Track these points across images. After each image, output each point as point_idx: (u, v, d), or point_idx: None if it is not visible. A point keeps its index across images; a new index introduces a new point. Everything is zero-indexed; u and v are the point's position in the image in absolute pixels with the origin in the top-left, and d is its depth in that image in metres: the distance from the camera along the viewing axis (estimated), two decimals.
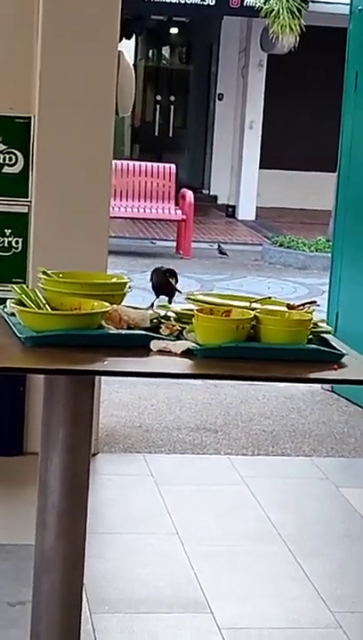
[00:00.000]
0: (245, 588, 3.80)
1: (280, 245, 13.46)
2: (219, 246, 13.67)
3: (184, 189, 13.79)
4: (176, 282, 2.98)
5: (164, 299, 2.97)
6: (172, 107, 19.69)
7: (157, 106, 19.78)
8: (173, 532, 4.22)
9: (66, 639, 2.89)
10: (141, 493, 4.64)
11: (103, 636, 3.36)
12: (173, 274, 2.98)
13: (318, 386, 6.47)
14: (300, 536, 4.27)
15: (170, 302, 2.94)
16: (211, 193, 18.14)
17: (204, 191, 18.12)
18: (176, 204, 13.70)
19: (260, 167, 17.29)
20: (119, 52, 4.75)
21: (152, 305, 2.91)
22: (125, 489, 4.70)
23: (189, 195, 13.51)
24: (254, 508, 4.54)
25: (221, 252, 13.47)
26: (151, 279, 3.00)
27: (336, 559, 4.10)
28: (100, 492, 4.60)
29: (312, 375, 2.65)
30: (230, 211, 17.20)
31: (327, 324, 2.97)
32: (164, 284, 2.96)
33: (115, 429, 5.43)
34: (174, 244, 13.61)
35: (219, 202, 17.84)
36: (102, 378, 5.12)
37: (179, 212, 13.53)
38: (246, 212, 17.04)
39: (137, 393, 6.07)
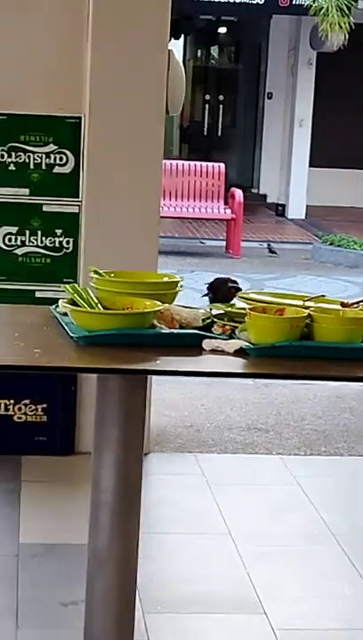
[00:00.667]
0: (298, 589, 3.77)
1: (331, 244, 13.38)
2: (269, 245, 13.62)
3: (233, 188, 13.76)
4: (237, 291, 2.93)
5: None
6: (221, 106, 19.66)
7: (206, 105, 19.76)
8: (226, 532, 4.20)
9: (120, 639, 2.88)
10: (192, 493, 4.63)
11: (156, 635, 3.35)
12: (234, 284, 2.93)
13: None
14: (354, 536, 4.23)
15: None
16: (260, 192, 18.09)
17: (253, 190, 18.07)
18: (225, 204, 13.68)
19: (310, 165, 17.21)
20: (169, 50, 4.74)
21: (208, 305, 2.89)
22: (177, 489, 4.69)
23: (239, 194, 13.48)
24: (306, 508, 4.51)
25: (271, 250, 13.42)
26: (210, 289, 2.95)
27: None
28: (151, 492, 4.59)
29: None
30: (280, 209, 17.14)
31: None
32: (227, 297, 2.91)
33: (166, 429, 5.42)
34: (224, 243, 13.59)
35: (268, 200, 17.78)
36: (153, 377, 5.12)
37: (228, 211, 13.50)
38: (296, 210, 16.97)
39: (188, 392, 6.06)
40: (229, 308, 2.84)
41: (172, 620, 3.49)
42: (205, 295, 2.94)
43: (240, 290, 2.93)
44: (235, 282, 2.95)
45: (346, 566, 3.95)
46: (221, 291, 2.92)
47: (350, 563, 3.97)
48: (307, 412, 5.88)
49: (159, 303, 2.72)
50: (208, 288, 2.95)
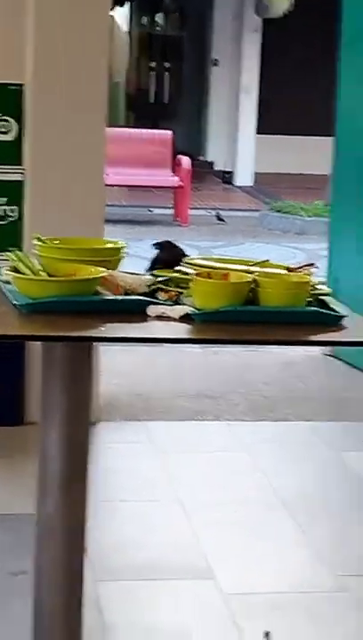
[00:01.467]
0: (248, 554, 3.79)
1: (278, 211, 13.40)
2: (217, 213, 13.61)
3: (180, 156, 13.71)
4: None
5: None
6: (166, 73, 19.56)
7: (152, 73, 19.65)
8: (176, 499, 4.21)
9: (69, 607, 2.87)
10: (142, 461, 4.63)
11: (107, 603, 3.35)
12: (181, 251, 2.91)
13: (318, 351, 6.45)
14: (301, 501, 4.26)
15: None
16: (208, 159, 18.05)
17: (200, 157, 18.02)
18: (172, 171, 13.63)
19: (257, 132, 17.19)
20: (111, 17, 4.69)
21: (151, 270, 2.86)
22: (126, 457, 4.69)
23: (186, 161, 13.44)
24: (255, 473, 4.53)
25: (219, 218, 13.41)
26: (157, 251, 2.92)
27: (339, 523, 4.09)
28: (101, 461, 4.58)
29: (312, 338, 2.62)
30: (228, 177, 17.11)
31: (327, 286, 2.93)
32: (173, 260, 2.88)
33: (115, 398, 5.41)
34: (172, 211, 13.55)
35: (216, 168, 17.74)
36: (101, 346, 5.10)
37: (175, 178, 13.46)
38: (244, 177, 16.95)
39: (137, 361, 6.05)
40: (175, 274, 2.81)
41: (122, 588, 3.49)
42: (156, 248, 2.89)
43: (186, 255, 2.90)
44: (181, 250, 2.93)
45: (295, 530, 3.97)
46: (169, 252, 2.89)
47: (299, 527, 4.00)
48: (255, 378, 5.89)
49: (103, 270, 2.69)
50: (156, 246, 2.92)
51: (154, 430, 4.99)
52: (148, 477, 4.45)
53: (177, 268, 2.80)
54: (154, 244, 2.90)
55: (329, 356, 6.38)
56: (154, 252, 2.90)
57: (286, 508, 4.17)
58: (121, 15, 17.19)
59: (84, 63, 4.61)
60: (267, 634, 3.17)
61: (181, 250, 2.92)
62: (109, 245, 2.93)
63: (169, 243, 2.93)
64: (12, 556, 3.61)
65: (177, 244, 2.95)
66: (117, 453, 4.73)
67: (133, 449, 4.79)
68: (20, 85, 4.62)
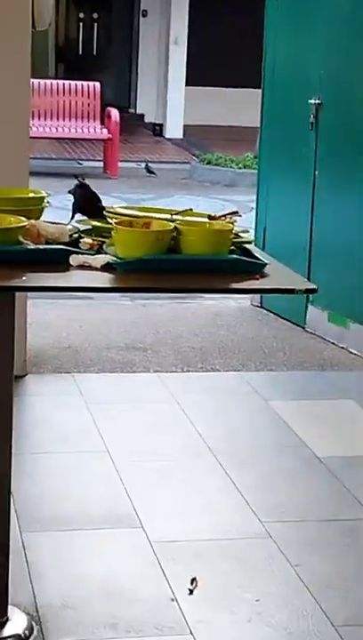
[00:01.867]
0: (175, 503, 3.82)
1: (208, 163, 13.37)
2: (146, 165, 13.54)
3: (110, 108, 13.61)
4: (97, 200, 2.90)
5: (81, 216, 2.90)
6: (95, 24, 19.34)
7: (81, 23, 19.41)
8: (104, 449, 4.22)
9: None
10: (70, 413, 4.63)
11: (34, 553, 3.35)
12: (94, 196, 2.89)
13: (247, 302, 6.48)
14: (230, 449, 4.29)
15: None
16: (138, 111, 17.92)
17: (130, 110, 17.89)
18: (102, 123, 13.52)
19: (186, 84, 17.09)
20: None
21: (71, 220, 2.85)
22: (55, 409, 4.68)
23: (115, 113, 13.34)
24: (183, 423, 4.55)
25: (149, 171, 13.35)
26: (74, 194, 2.91)
27: (265, 470, 4.13)
28: (29, 413, 4.58)
29: (235, 285, 2.63)
30: (158, 129, 17.02)
31: (255, 237, 2.94)
32: (89, 202, 2.86)
33: (43, 350, 5.39)
34: (101, 163, 13.46)
35: (146, 120, 17.63)
36: (29, 299, 5.07)
37: (105, 131, 13.36)
38: (174, 130, 16.87)
39: (65, 314, 6.03)
40: (97, 223, 2.80)
41: (50, 538, 3.50)
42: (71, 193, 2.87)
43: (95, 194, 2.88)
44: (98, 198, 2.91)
45: (222, 479, 4.01)
46: (83, 194, 2.87)
47: (227, 475, 4.03)
48: (184, 329, 5.90)
49: (24, 219, 2.67)
50: (72, 193, 2.89)
51: (83, 382, 4.99)
52: (76, 429, 4.45)
53: (97, 216, 2.79)
54: (68, 191, 2.88)
55: (257, 306, 6.42)
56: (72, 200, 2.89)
57: (213, 456, 4.20)
58: None
59: (5, 11, 4.53)
60: (193, 580, 3.21)
61: (90, 190, 2.90)
62: (31, 195, 2.91)
63: (80, 185, 2.90)
64: None
65: (91, 188, 2.92)
66: (46, 405, 4.73)
67: (61, 401, 4.79)
68: None
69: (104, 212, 2.83)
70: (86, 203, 2.85)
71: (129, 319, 6.05)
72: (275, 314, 6.27)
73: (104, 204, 2.92)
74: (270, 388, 5.05)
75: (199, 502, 3.83)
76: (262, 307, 6.40)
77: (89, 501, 3.78)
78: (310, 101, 5.93)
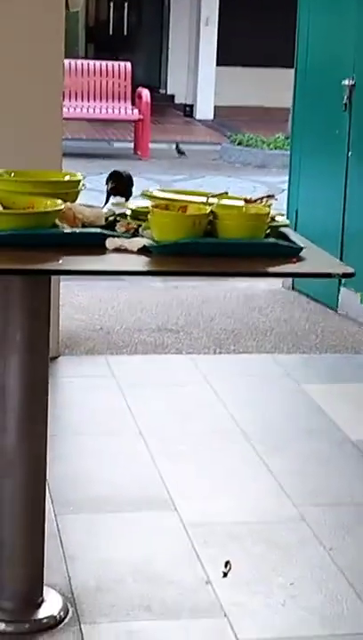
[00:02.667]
0: (209, 486, 3.82)
1: (239, 144, 13.33)
2: (177, 146, 13.51)
3: (140, 88, 13.58)
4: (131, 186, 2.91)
5: (120, 198, 2.91)
6: (126, 4, 19.29)
7: (111, 4, 19.37)
8: (137, 432, 4.22)
9: (30, 541, 2.89)
10: (103, 395, 4.63)
11: (68, 536, 3.37)
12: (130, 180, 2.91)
13: (279, 284, 6.46)
14: (263, 432, 4.29)
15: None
16: (168, 92, 17.89)
17: (161, 90, 17.86)
18: (133, 104, 13.50)
19: (217, 64, 17.04)
20: None
21: (107, 202, 2.85)
22: (88, 391, 4.69)
23: (146, 94, 13.31)
24: (216, 406, 4.55)
25: (180, 151, 13.32)
26: (109, 181, 2.92)
27: (299, 454, 4.12)
28: (62, 395, 4.59)
29: (271, 269, 2.62)
30: (188, 110, 16.99)
31: (287, 219, 2.92)
32: (122, 190, 2.88)
33: (76, 332, 5.40)
34: (132, 144, 13.45)
35: (176, 101, 17.61)
36: (61, 281, 5.08)
37: (136, 111, 13.34)
38: (204, 110, 16.84)
39: (97, 296, 6.04)
40: (133, 206, 2.80)
41: (84, 520, 3.51)
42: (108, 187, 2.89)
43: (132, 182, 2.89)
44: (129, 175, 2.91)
45: (255, 462, 4.00)
46: (117, 182, 2.88)
47: (260, 458, 4.03)
48: (216, 311, 5.90)
49: (61, 202, 2.67)
50: (107, 181, 2.90)
51: (115, 364, 5.00)
52: (109, 411, 4.46)
53: (133, 199, 2.79)
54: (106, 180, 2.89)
55: (289, 288, 6.39)
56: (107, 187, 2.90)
57: (247, 439, 4.19)
58: None
59: None
60: (227, 563, 3.21)
61: (127, 177, 2.90)
62: (67, 178, 2.91)
63: (116, 173, 2.91)
64: None
65: (128, 172, 2.93)
66: (78, 387, 4.74)
67: (94, 383, 4.80)
68: None
69: (140, 195, 2.82)
70: (122, 187, 2.86)
71: (161, 301, 6.05)
72: (307, 296, 6.24)
73: (136, 185, 2.93)
74: (302, 371, 5.04)
75: (233, 485, 3.83)
76: (294, 289, 6.38)
77: (122, 484, 3.79)
78: (343, 82, 5.89)
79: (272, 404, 4.67)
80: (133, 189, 2.92)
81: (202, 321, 5.72)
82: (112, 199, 2.88)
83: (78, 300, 5.92)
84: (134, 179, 2.97)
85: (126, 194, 2.90)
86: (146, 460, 3.98)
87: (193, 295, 6.17)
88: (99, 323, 5.60)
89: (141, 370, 5.00)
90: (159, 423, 4.35)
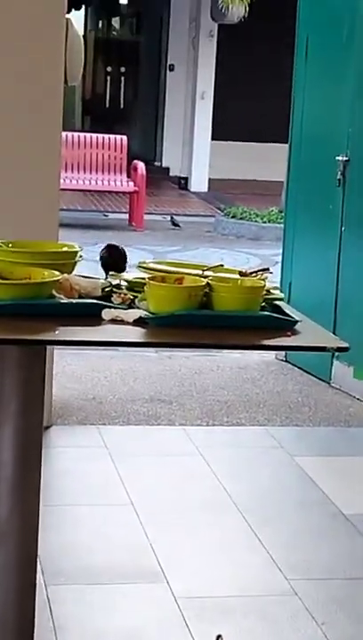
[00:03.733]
0: (200, 558, 3.80)
1: (233, 217, 13.45)
2: (172, 218, 13.63)
3: (136, 161, 13.73)
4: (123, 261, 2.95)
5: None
6: (122, 78, 19.56)
7: (108, 77, 19.64)
8: (129, 502, 4.21)
9: (21, 611, 2.87)
10: (95, 465, 4.62)
11: (59, 607, 3.34)
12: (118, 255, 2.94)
13: (272, 356, 6.49)
14: (255, 505, 4.28)
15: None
16: (163, 165, 18.07)
17: (156, 163, 18.04)
18: (128, 176, 13.64)
19: (212, 139, 17.25)
20: (67, 19, 4.69)
21: (107, 277, 2.87)
22: (80, 461, 4.68)
23: (141, 166, 13.45)
24: (209, 477, 4.54)
25: (174, 223, 13.43)
26: (103, 256, 2.95)
27: (291, 527, 4.11)
28: (54, 465, 4.58)
29: (266, 342, 2.63)
30: (183, 182, 17.15)
31: (281, 292, 2.95)
32: (117, 264, 2.92)
33: (68, 402, 5.40)
34: (127, 216, 13.55)
35: (171, 174, 17.77)
36: (55, 350, 5.10)
37: (131, 183, 13.47)
38: (199, 183, 17.00)
39: (90, 365, 6.05)
40: (129, 277, 2.82)
41: (74, 591, 3.48)
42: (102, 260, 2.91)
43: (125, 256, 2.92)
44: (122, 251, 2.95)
45: (247, 534, 3.99)
46: (112, 255, 2.91)
47: (252, 531, 4.01)
48: (210, 382, 5.91)
49: (58, 273, 2.69)
50: (102, 256, 2.93)
51: (107, 434, 5.00)
52: (101, 481, 4.45)
53: (136, 275, 2.81)
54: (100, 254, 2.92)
55: (282, 360, 6.42)
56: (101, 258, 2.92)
57: (239, 511, 4.18)
58: (77, 18, 17.16)
59: (39, 66, 4.60)
60: (219, 637, 3.19)
61: (121, 251, 2.93)
62: (65, 249, 2.93)
63: (110, 246, 2.94)
64: None
65: (121, 246, 2.96)
66: (71, 457, 4.73)
67: (86, 453, 4.79)
68: None
69: (136, 267, 2.85)
70: (115, 263, 2.89)
71: (154, 371, 6.06)
72: (300, 368, 6.26)
73: (130, 256, 2.96)
74: (295, 444, 5.04)
75: (224, 558, 3.81)
76: (287, 361, 6.40)
77: (114, 555, 3.77)
78: (337, 158, 5.97)
79: (265, 476, 4.67)
80: (128, 260, 2.95)
81: (195, 392, 5.73)
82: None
83: (71, 368, 5.93)
84: (129, 249, 3.00)
85: (120, 268, 2.93)
86: (137, 530, 3.97)
87: (186, 366, 6.19)
88: (92, 392, 5.61)
89: (133, 440, 5.00)
90: (151, 494, 4.34)
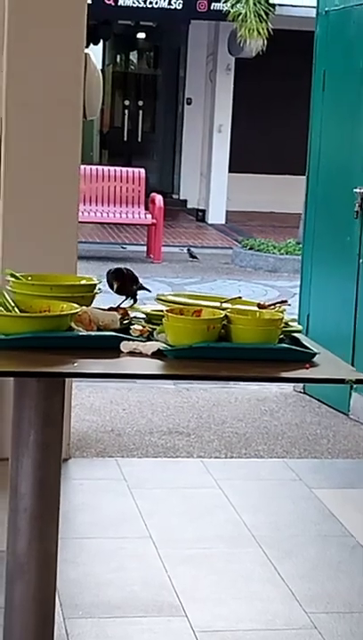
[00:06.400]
0: (219, 591, 3.78)
1: (250, 248, 13.47)
2: (189, 250, 13.67)
3: (154, 194, 13.79)
4: (133, 282, 2.95)
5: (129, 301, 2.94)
6: (140, 111, 19.68)
7: (126, 111, 19.76)
8: (147, 535, 4.20)
9: None
10: (113, 498, 4.62)
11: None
12: (124, 277, 2.95)
13: (290, 387, 6.48)
14: (273, 537, 4.26)
15: (135, 302, 2.92)
16: (180, 197, 18.14)
17: (173, 195, 18.12)
18: (146, 209, 13.69)
19: (229, 171, 17.31)
20: (86, 54, 4.73)
21: (118, 306, 2.88)
22: (98, 493, 4.68)
23: (159, 199, 13.51)
24: (227, 510, 4.53)
25: (192, 255, 13.46)
26: (110, 286, 2.97)
27: (310, 560, 4.09)
28: (72, 497, 4.58)
29: (285, 374, 2.64)
30: (200, 215, 17.21)
31: (298, 324, 2.95)
32: (121, 289, 2.93)
33: (87, 434, 5.41)
34: (145, 248, 13.60)
35: (189, 206, 17.85)
36: (73, 382, 5.10)
37: (149, 216, 13.52)
38: (216, 215, 17.06)
39: (108, 397, 6.05)
40: (147, 310, 2.84)
41: (92, 625, 3.47)
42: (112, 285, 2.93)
43: (133, 277, 2.93)
44: (123, 270, 2.96)
45: (266, 567, 3.97)
46: (120, 278, 2.92)
47: (271, 563, 4.00)
48: (227, 415, 5.90)
49: (76, 306, 2.71)
50: (107, 280, 2.94)
51: (126, 467, 4.99)
52: (119, 514, 4.44)
53: (155, 308, 2.82)
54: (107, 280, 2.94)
55: (300, 392, 6.41)
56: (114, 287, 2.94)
57: (257, 544, 4.17)
58: (95, 53, 17.29)
59: (58, 100, 4.64)
60: None
61: (130, 275, 2.95)
62: (83, 282, 2.95)
63: (117, 271, 2.95)
64: None
65: (129, 270, 2.98)
66: (89, 489, 4.72)
67: (104, 485, 4.78)
68: None
69: (155, 299, 2.86)
70: (125, 285, 2.91)
71: (172, 403, 6.06)
72: (318, 400, 6.25)
73: (148, 287, 2.97)
74: (314, 476, 5.02)
75: (243, 591, 3.79)
76: (305, 392, 6.39)
77: (132, 588, 3.76)
78: (355, 190, 5.98)
79: (283, 508, 4.65)
80: (144, 291, 2.97)
81: (213, 424, 5.72)
82: (125, 303, 2.92)
83: (90, 400, 5.94)
84: (146, 281, 3.02)
85: (132, 292, 2.93)
86: (156, 563, 3.96)
87: (204, 398, 6.18)
88: (110, 424, 5.61)
89: (151, 473, 4.99)
90: (169, 527, 4.33)
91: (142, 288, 2.96)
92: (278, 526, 4.41)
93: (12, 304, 2.72)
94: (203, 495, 4.72)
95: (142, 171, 13.97)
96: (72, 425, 5.14)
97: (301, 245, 7.24)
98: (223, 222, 16.91)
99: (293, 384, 6.43)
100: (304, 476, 5.00)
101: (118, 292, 2.93)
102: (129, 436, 5.44)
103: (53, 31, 4.60)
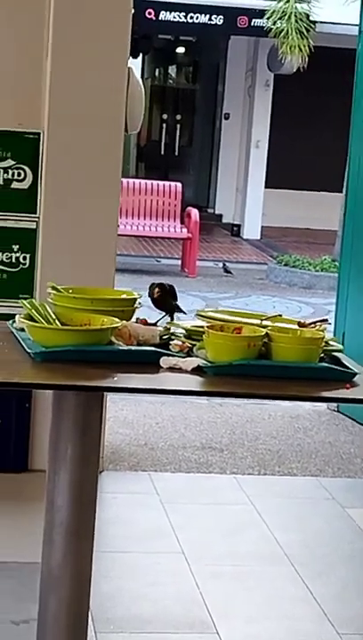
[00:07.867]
0: (251, 609, 3.77)
1: (285, 264, 13.44)
2: (224, 265, 13.65)
3: (190, 208, 13.79)
4: (173, 298, 2.96)
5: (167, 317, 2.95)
6: (178, 125, 19.71)
7: (164, 125, 19.80)
8: (179, 551, 4.19)
9: None
10: (146, 512, 4.61)
11: None
12: (166, 290, 2.95)
13: (324, 406, 6.45)
14: (306, 556, 4.24)
15: (172, 319, 2.92)
16: (216, 212, 18.14)
17: (209, 210, 18.12)
18: (182, 223, 13.70)
19: (265, 186, 17.30)
20: (129, 68, 4.75)
21: (157, 321, 2.88)
22: (131, 507, 4.67)
23: (195, 213, 13.51)
24: (260, 527, 4.51)
25: (226, 270, 13.45)
26: (150, 295, 2.98)
27: (343, 580, 4.07)
28: (105, 511, 4.57)
29: (325, 394, 2.64)
30: (236, 230, 17.20)
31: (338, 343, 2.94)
32: (160, 300, 2.94)
33: (120, 447, 5.41)
34: (179, 262, 13.61)
35: (224, 220, 17.84)
36: (108, 395, 5.10)
37: (184, 230, 13.53)
38: (252, 230, 17.03)
39: (142, 411, 6.05)
40: (187, 325, 2.83)
41: (123, 639, 3.47)
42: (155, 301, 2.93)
43: (171, 290, 2.94)
44: (164, 285, 2.96)
45: (298, 586, 3.95)
46: (163, 294, 2.93)
47: (303, 582, 3.97)
48: (261, 431, 5.88)
49: (117, 320, 2.71)
50: (149, 295, 2.95)
51: (158, 481, 4.98)
52: (152, 529, 4.43)
53: (194, 324, 2.82)
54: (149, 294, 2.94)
55: (334, 410, 6.38)
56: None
57: (290, 562, 4.15)
58: (135, 67, 17.33)
59: (101, 114, 4.65)
60: None
61: (171, 290, 2.96)
62: (124, 296, 2.95)
63: (160, 286, 2.96)
64: (15, 605, 3.59)
65: (171, 285, 2.99)
66: (122, 503, 4.72)
67: (137, 499, 4.78)
68: (37, 134, 4.66)
69: (195, 315, 2.86)
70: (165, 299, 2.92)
71: (205, 418, 6.05)
72: (352, 419, 6.22)
73: (183, 302, 2.98)
74: (347, 495, 5.00)
75: (275, 610, 3.77)
76: (338, 411, 6.36)
77: (164, 604, 3.75)
78: None
79: (316, 527, 4.62)
80: (181, 307, 2.97)
81: (246, 440, 5.71)
82: (166, 318, 2.92)
83: (123, 414, 5.94)
84: (181, 295, 3.02)
85: (171, 307, 2.94)
86: (188, 579, 3.94)
87: (238, 414, 6.17)
88: (143, 438, 5.60)
89: (184, 488, 4.98)
90: (202, 543, 4.31)
91: (178, 308, 2.96)
92: (311, 545, 4.39)
93: (53, 316, 2.73)
94: (235, 512, 4.71)
95: (179, 184, 13.99)
96: (106, 438, 5.13)
97: (336, 263, 7.22)
98: (258, 238, 16.89)
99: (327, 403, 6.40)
100: (337, 494, 4.97)
101: (156, 303, 2.93)
102: (162, 450, 5.44)
103: (97, 45, 4.62)
